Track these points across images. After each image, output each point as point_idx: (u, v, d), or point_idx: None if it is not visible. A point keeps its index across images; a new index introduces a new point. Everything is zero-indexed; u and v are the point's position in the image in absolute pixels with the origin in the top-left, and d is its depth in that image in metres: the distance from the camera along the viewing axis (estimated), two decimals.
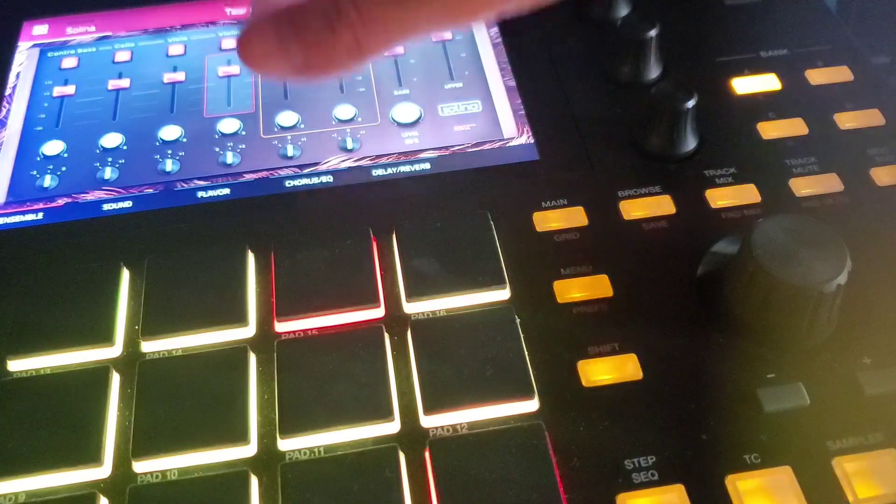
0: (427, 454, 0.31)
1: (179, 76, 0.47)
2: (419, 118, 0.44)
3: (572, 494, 0.30)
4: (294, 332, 0.35)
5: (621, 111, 0.43)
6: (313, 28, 0.25)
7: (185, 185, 0.41)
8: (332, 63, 0.26)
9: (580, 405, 0.32)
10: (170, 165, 0.42)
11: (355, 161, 0.42)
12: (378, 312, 0.35)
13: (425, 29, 0.26)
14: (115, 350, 0.34)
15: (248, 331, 0.35)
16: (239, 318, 0.35)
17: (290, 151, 0.43)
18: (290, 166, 0.42)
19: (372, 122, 0.44)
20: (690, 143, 0.40)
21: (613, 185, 0.39)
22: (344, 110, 0.44)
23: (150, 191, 0.41)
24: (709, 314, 0.35)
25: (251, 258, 0.37)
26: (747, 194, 0.39)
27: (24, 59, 0.48)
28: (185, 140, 0.43)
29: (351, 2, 0.25)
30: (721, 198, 0.39)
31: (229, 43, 0.48)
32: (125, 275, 0.37)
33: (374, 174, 0.41)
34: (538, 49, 0.47)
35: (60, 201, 0.41)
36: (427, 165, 0.41)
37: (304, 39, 0.26)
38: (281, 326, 0.35)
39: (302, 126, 0.44)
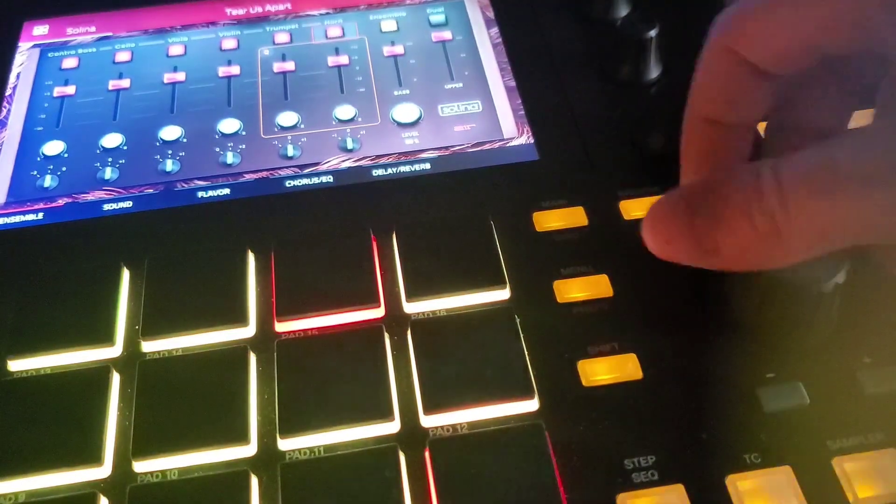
0: (427, 454, 0.31)
1: (180, 76, 0.47)
2: (419, 118, 0.44)
3: (572, 494, 0.30)
4: (294, 332, 0.35)
5: (621, 111, 0.43)
6: (728, 212, 0.23)
7: (185, 186, 0.41)
8: (746, 255, 0.23)
9: (580, 405, 0.32)
10: (170, 165, 0.42)
11: (355, 161, 0.42)
12: (378, 312, 0.35)
13: (870, 235, 0.23)
14: (115, 350, 0.34)
15: (248, 331, 0.35)
16: (239, 318, 0.35)
17: (291, 151, 0.43)
18: (290, 166, 0.42)
19: (372, 123, 0.44)
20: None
21: (613, 185, 0.39)
22: (344, 110, 0.44)
23: (151, 191, 0.41)
24: (708, 314, 0.35)
25: (251, 258, 0.37)
26: None
27: (24, 60, 0.48)
28: (185, 140, 0.43)
29: (775, 188, 0.22)
30: None
31: (229, 43, 0.48)
32: (125, 275, 0.37)
33: (374, 174, 0.41)
34: (538, 49, 0.47)
35: (61, 201, 0.41)
36: (427, 165, 0.41)
37: (716, 222, 0.23)
38: (281, 326, 0.35)
39: (302, 126, 0.44)
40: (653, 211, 0.25)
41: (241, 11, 0.50)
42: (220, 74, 0.47)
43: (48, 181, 0.42)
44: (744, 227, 0.22)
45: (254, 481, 0.31)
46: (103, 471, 0.31)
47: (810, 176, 0.22)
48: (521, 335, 0.34)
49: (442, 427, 0.32)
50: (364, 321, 0.35)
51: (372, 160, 0.42)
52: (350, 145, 0.43)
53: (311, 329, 0.35)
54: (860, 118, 0.29)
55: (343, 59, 0.47)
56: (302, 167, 0.42)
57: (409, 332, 0.34)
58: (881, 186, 0.21)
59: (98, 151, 0.43)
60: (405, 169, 0.41)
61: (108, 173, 0.42)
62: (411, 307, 0.35)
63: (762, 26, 0.26)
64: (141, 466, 0.31)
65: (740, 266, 0.24)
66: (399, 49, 0.48)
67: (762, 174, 0.22)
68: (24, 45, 0.49)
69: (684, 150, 0.30)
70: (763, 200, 0.22)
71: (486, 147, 0.42)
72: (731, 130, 0.29)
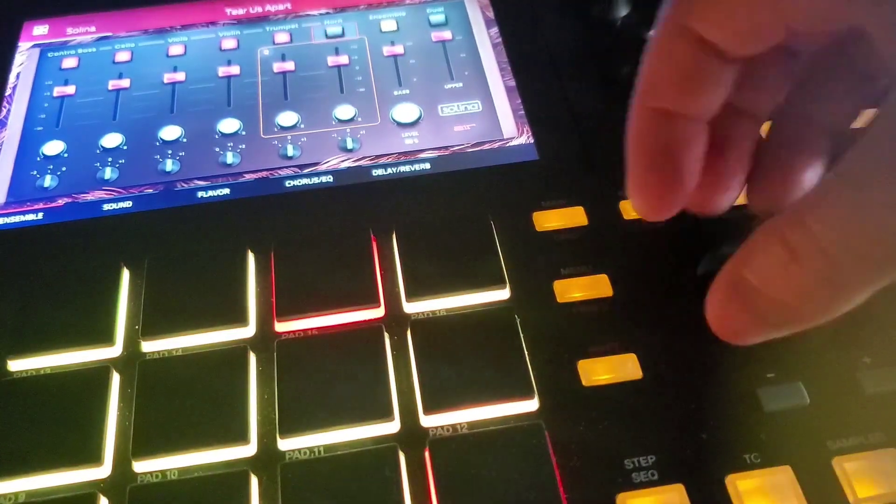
0: (427, 454, 0.31)
1: (179, 76, 0.47)
2: (419, 118, 0.44)
3: (572, 494, 0.30)
4: (294, 331, 0.35)
5: (621, 111, 0.43)
6: (772, 286, 0.22)
7: (185, 185, 0.41)
8: (818, 307, 0.23)
9: (580, 405, 0.32)
10: (170, 165, 0.42)
11: (355, 161, 0.42)
12: (378, 312, 0.35)
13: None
14: (115, 350, 0.34)
15: (248, 331, 0.35)
16: (239, 318, 0.35)
17: (290, 151, 0.43)
18: (290, 166, 0.42)
19: (372, 122, 0.44)
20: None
21: (613, 184, 0.39)
22: (344, 110, 0.44)
23: (151, 191, 0.41)
24: None
25: (251, 258, 0.37)
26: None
27: (24, 60, 0.48)
28: (185, 140, 0.43)
29: (814, 249, 0.21)
30: None
31: (229, 43, 0.48)
32: (125, 275, 0.37)
33: (374, 174, 0.41)
34: (538, 49, 0.47)
35: (60, 201, 0.41)
36: (427, 165, 0.41)
37: (770, 299, 0.23)
38: (281, 326, 0.35)
39: (302, 126, 0.44)
40: (711, 313, 0.25)
41: (240, 11, 0.50)
42: (220, 74, 0.47)
43: (48, 181, 0.42)
44: (792, 288, 0.22)
45: (254, 481, 0.31)
46: (103, 471, 0.31)
47: (847, 229, 0.20)
48: (521, 335, 0.34)
49: (442, 427, 0.32)
50: (364, 321, 0.35)
51: (372, 160, 0.42)
52: (350, 145, 0.43)
53: (311, 329, 0.35)
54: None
55: (343, 59, 0.47)
56: (302, 167, 0.42)
57: (408, 332, 0.34)
58: None
59: (98, 151, 0.43)
60: (405, 169, 0.41)
61: (108, 173, 0.42)
62: (411, 307, 0.35)
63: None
64: (141, 466, 0.31)
65: (824, 316, 0.23)
66: (399, 49, 0.48)
67: (788, 236, 0.21)
68: (24, 45, 0.49)
69: (632, 148, 0.27)
70: (802, 262, 0.21)
71: (486, 147, 0.42)
72: (686, 124, 0.26)
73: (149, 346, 0.34)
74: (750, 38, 0.23)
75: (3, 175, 0.42)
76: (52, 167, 0.42)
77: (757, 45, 0.24)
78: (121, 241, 0.38)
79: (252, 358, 0.34)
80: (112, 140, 0.44)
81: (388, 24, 0.49)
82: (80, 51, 0.48)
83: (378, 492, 0.30)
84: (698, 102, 0.25)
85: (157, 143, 0.43)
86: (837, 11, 0.22)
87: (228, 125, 0.44)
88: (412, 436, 0.32)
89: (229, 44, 0.48)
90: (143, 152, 0.43)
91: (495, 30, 0.48)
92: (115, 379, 0.33)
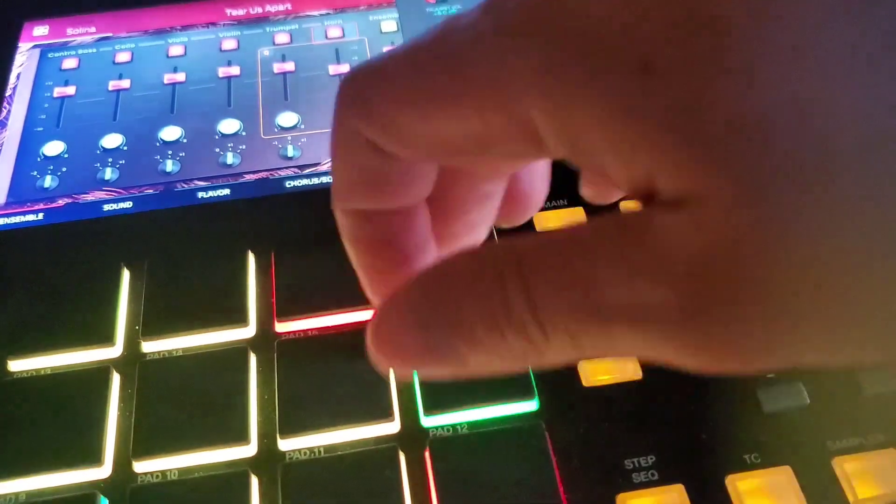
0: (427, 454, 0.31)
1: (180, 77, 0.47)
2: None
3: (572, 494, 0.30)
4: (294, 332, 0.35)
5: None
6: (478, 330, 0.17)
7: (185, 186, 0.41)
8: (502, 369, 0.18)
9: (580, 405, 0.32)
10: (170, 166, 0.42)
11: None
12: None
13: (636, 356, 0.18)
14: (115, 350, 0.34)
15: (248, 331, 0.35)
16: (239, 319, 0.35)
17: (291, 152, 0.43)
18: (290, 167, 0.42)
19: None
20: None
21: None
22: None
23: (151, 191, 0.41)
24: None
25: (251, 258, 0.37)
26: None
27: (24, 60, 0.48)
28: (185, 140, 0.43)
29: (526, 307, 0.17)
30: None
31: (229, 44, 0.48)
32: (125, 275, 0.37)
33: None
34: None
35: (61, 202, 0.41)
36: None
37: (464, 340, 0.18)
38: (281, 326, 0.35)
39: (302, 126, 0.44)
40: (376, 322, 0.20)
41: (241, 12, 0.50)
42: (220, 75, 0.47)
43: (48, 181, 0.42)
44: (492, 340, 0.17)
45: (254, 481, 0.31)
46: (103, 471, 0.31)
47: (573, 302, 0.16)
48: None
49: (442, 427, 0.32)
50: (365, 321, 0.35)
51: None
52: None
53: (312, 329, 0.35)
54: None
55: (344, 68, 0.47)
56: (302, 167, 0.42)
57: None
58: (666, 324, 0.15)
59: (98, 152, 0.43)
60: None
61: (108, 174, 0.42)
62: None
63: (389, 114, 0.19)
64: (141, 467, 0.31)
65: (498, 373, 0.19)
66: None
67: (507, 281, 0.17)
68: (24, 46, 0.49)
69: (347, 247, 0.23)
70: (513, 317, 0.17)
71: None
72: (391, 216, 0.22)
73: (149, 347, 0.34)
74: (427, 155, 0.19)
75: (4, 175, 0.42)
76: (52, 167, 0.42)
77: (439, 158, 0.20)
78: (121, 242, 0.38)
79: (252, 358, 0.34)
80: (112, 140, 0.44)
81: (388, 25, 0.49)
82: (80, 51, 0.48)
83: (378, 492, 0.30)
84: (394, 200, 0.21)
85: (158, 144, 0.43)
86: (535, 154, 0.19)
87: (229, 126, 0.44)
88: (412, 436, 0.32)
89: (229, 44, 0.48)
90: (144, 153, 0.43)
91: None
92: (116, 379, 0.33)
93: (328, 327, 0.35)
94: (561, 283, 0.16)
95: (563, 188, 0.39)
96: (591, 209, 0.38)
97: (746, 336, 0.15)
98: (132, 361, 0.34)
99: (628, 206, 0.38)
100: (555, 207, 0.38)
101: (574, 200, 0.39)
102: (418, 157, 0.20)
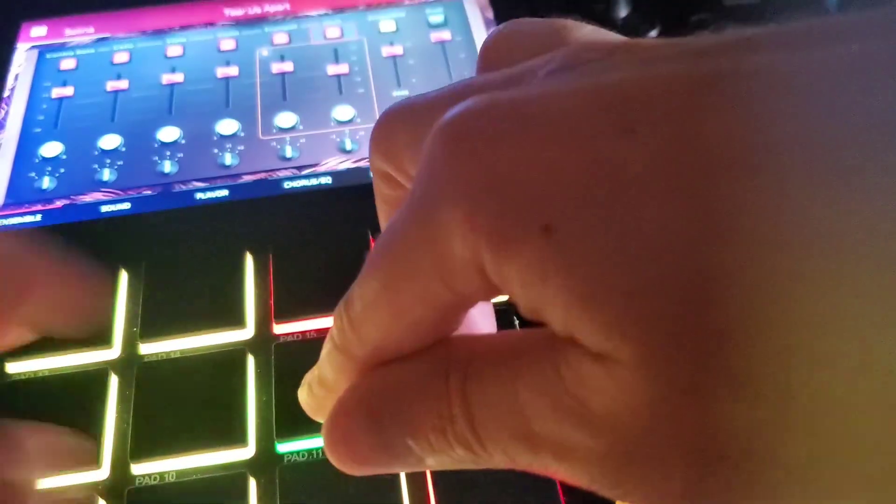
0: None
1: (178, 77, 0.47)
2: None
3: (571, 494, 0.30)
4: (292, 333, 0.35)
5: None
6: (430, 434, 0.18)
7: (183, 187, 0.41)
8: (458, 466, 0.18)
9: None
10: (168, 167, 0.42)
11: (354, 162, 0.42)
12: None
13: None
14: (113, 352, 0.34)
15: (246, 333, 0.35)
16: (237, 320, 0.35)
17: (289, 153, 0.43)
18: (288, 167, 0.42)
19: (371, 123, 0.44)
20: None
21: None
22: (343, 111, 0.44)
23: (149, 192, 0.41)
24: None
25: (249, 260, 0.37)
26: None
27: (22, 61, 0.48)
28: (183, 141, 0.43)
29: (466, 421, 0.17)
30: None
31: (228, 44, 0.48)
32: (123, 276, 0.37)
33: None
34: None
35: (59, 203, 0.41)
36: None
37: (417, 441, 0.18)
38: (279, 328, 0.35)
39: (300, 127, 0.44)
40: (329, 422, 0.20)
41: (239, 12, 0.50)
42: (219, 75, 0.47)
43: (46, 183, 0.42)
44: (441, 444, 0.17)
45: (252, 483, 0.30)
46: (101, 473, 0.31)
47: (506, 425, 0.16)
48: None
49: None
50: None
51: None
52: (349, 146, 0.43)
53: (309, 331, 0.35)
54: None
55: (343, 69, 0.47)
56: (300, 168, 0.42)
57: None
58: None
59: (96, 153, 0.43)
60: None
61: (107, 175, 0.42)
62: None
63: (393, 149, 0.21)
64: (139, 469, 0.31)
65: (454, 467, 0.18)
66: (398, 49, 0.47)
67: (451, 392, 0.17)
68: (22, 47, 0.49)
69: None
70: (456, 430, 0.17)
71: None
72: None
73: (147, 349, 0.34)
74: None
75: (1, 177, 0.42)
76: (50, 169, 0.42)
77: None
78: (119, 243, 0.38)
79: (250, 360, 0.34)
80: (110, 141, 0.43)
81: (387, 25, 0.49)
82: (78, 52, 0.48)
83: (376, 493, 0.30)
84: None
85: (156, 145, 0.43)
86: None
87: (227, 126, 0.44)
88: None
89: (228, 45, 0.48)
90: (142, 154, 0.43)
91: None
92: (114, 381, 0.33)
93: (326, 329, 0.34)
94: (496, 404, 0.16)
95: None
96: None
97: (660, 495, 0.15)
98: (130, 363, 0.34)
99: None
100: None
101: None
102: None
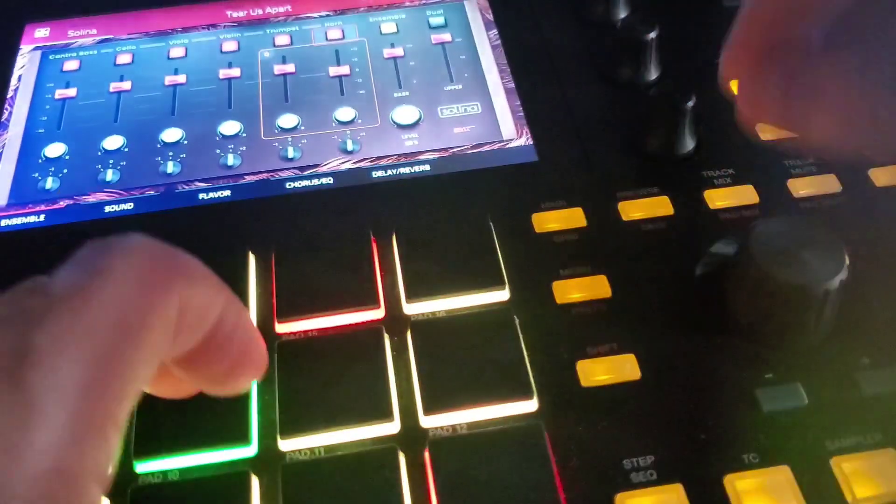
0: (427, 454, 0.31)
1: (180, 78, 0.47)
2: (419, 120, 0.44)
3: (571, 494, 0.30)
4: (295, 332, 0.35)
5: (620, 113, 0.43)
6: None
7: (186, 187, 0.41)
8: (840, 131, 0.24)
9: (579, 405, 0.32)
10: (171, 167, 0.42)
11: (355, 163, 0.42)
12: (378, 313, 0.35)
13: None
14: None
15: None
16: None
17: (291, 153, 0.43)
18: (290, 168, 0.42)
19: (372, 124, 0.44)
20: (689, 145, 0.40)
21: (612, 186, 0.40)
22: (344, 112, 0.45)
23: (152, 192, 0.41)
24: (707, 314, 0.35)
25: (252, 259, 0.37)
26: (745, 195, 0.39)
27: (25, 62, 0.48)
28: (185, 142, 0.44)
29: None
30: (719, 198, 0.39)
31: (230, 45, 0.49)
32: None
33: (373, 176, 0.41)
34: (537, 51, 0.47)
35: (62, 203, 0.41)
36: (427, 167, 0.41)
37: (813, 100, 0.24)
38: (281, 327, 0.35)
39: (302, 128, 0.44)
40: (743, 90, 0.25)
41: (241, 14, 0.51)
42: (221, 76, 0.47)
43: (49, 183, 0.42)
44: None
45: (255, 482, 0.31)
46: None
47: None
48: (521, 336, 0.34)
49: (442, 427, 0.32)
50: (364, 322, 0.35)
51: (372, 162, 0.42)
52: (350, 147, 0.43)
53: (312, 330, 0.35)
54: None
55: (344, 70, 0.47)
56: (302, 169, 0.42)
57: (409, 333, 0.34)
58: None
59: (99, 153, 0.43)
60: (405, 170, 0.41)
61: (110, 175, 0.42)
62: (411, 308, 0.35)
63: None
64: (142, 467, 0.31)
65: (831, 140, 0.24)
66: (399, 51, 0.48)
67: None
68: (25, 48, 0.49)
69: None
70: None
71: (486, 148, 0.42)
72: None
73: None
74: None
75: (5, 177, 0.42)
76: (53, 169, 0.43)
77: None
78: None
79: None
80: (113, 142, 0.44)
81: (388, 27, 0.49)
82: (81, 53, 0.49)
83: (378, 492, 0.30)
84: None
85: (159, 145, 0.43)
86: None
87: (229, 127, 0.44)
88: (412, 436, 0.32)
89: (230, 46, 0.49)
90: (145, 154, 0.43)
91: (495, 32, 0.48)
92: None
93: (328, 328, 0.35)
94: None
95: (563, 189, 0.40)
96: (590, 210, 0.39)
97: None
98: None
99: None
100: (554, 208, 0.39)
101: (573, 202, 0.39)
102: None
